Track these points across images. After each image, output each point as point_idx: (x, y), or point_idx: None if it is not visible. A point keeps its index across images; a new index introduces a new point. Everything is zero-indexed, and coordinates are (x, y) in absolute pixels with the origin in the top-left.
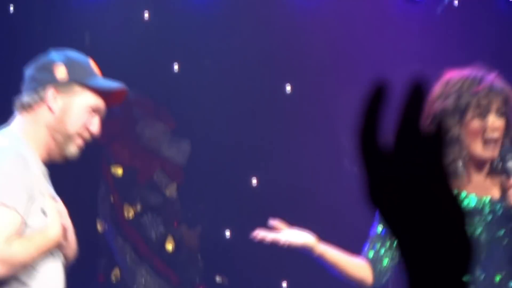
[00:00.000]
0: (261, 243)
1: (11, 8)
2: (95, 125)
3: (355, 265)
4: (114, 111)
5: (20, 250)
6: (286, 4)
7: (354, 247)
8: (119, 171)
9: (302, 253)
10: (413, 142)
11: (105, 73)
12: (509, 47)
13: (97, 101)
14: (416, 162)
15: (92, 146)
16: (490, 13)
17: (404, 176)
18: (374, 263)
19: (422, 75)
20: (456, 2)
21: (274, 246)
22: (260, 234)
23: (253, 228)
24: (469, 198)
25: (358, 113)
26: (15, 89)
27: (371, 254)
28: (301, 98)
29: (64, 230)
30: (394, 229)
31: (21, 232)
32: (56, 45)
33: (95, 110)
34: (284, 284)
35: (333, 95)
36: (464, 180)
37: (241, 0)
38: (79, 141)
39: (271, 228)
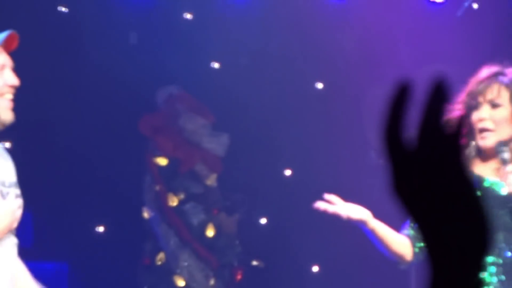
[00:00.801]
0: (294, 229)
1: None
2: (10, 78)
3: (399, 242)
4: (159, 106)
5: None
6: (317, 4)
7: None
8: (163, 162)
9: (356, 226)
10: (435, 136)
11: (152, 69)
12: None
13: None
14: (437, 156)
15: (137, 139)
16: (508, 14)
17: (426, 168)
18: (414, 240)
19: (443, 74)
20: (475, 5)
21: (306, 232)
22: (322, 206)
23: (287, 215)
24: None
25: (383, 110)
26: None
27: (411, 232)
28: (331, 94)
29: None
30: (417, 217)
31: None
32: (103, 43)
33: (1, 65)
34: (315, 269)
35: (361, 91)
36: (471, 165)
37: (277, 2)
38: (5, 102)
39: (327, 202)
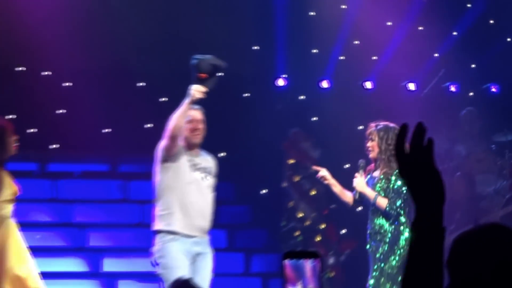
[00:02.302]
0: None
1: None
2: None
3: (346, 194)
4: (290, 137)
5: None
6: None
7: None
8: (291, 161)
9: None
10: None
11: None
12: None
13: None
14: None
15: (279, 150)
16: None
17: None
18: (355, 193)
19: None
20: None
21: None
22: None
23: None
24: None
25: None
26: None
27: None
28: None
29: None
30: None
31: None
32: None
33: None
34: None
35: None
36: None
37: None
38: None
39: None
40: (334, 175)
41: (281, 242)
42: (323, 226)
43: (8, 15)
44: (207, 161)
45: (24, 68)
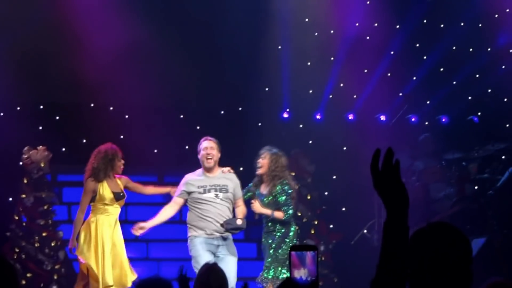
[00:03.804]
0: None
1: None
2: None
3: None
4: (291, 155)
5: None
6: None
7: None
8: (292, 173)
9: None
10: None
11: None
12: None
13: None
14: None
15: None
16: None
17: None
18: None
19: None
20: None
21: None
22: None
23: None
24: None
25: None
26: None
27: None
28: None
29: None
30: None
31: None
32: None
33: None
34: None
35: None
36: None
37: None
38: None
39: None
40: (325, 184)
41: None
42: (316, 222)
43: (81, 60)
44: (222, 179)
45: (92, 104)
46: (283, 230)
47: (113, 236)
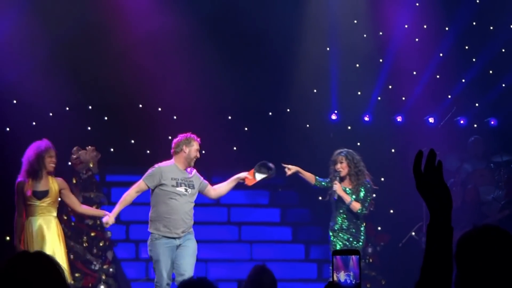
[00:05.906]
0: None
1: None
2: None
3: (312, 177)
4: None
5: None
6: None
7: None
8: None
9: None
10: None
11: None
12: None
13: None
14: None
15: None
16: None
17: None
18: (316, 179)
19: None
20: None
21: None
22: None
23: None
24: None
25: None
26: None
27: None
28: None
29: None
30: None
31: None
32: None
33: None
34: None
35: None
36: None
37: None
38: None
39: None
40: (376, 184)
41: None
42: (364, 224)
43: (130, 61)
44: (189, 175)
45: (141, 105)
46: (354, 229)
47: None
